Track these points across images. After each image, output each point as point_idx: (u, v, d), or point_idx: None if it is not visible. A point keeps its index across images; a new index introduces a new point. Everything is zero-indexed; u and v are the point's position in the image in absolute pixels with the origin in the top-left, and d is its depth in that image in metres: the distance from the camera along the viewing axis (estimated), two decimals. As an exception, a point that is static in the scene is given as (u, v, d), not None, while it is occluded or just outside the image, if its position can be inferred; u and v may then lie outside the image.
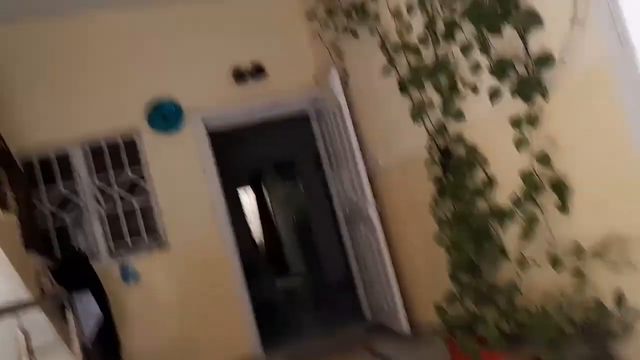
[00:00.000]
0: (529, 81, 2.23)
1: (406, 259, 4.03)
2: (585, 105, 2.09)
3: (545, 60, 2.16)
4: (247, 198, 10.86)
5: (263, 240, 11.04)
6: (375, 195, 4.07)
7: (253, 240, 8.88)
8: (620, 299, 2.02)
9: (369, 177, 4.08)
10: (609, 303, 2.07)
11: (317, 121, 5.08)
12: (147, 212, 4.44)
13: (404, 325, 3.92)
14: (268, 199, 11.17)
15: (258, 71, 4.84)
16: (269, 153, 8.60)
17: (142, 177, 4.47)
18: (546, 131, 2.26)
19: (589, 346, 2.03)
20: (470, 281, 2.80)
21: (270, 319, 5.27)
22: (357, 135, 4.14)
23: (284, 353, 4.70)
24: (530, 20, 2.18)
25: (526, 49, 2.25)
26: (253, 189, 11.23)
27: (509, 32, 2.29)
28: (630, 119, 1.91)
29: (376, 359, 3.96)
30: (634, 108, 1.90)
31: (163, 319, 4.30)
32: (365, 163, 4.13)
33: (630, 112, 1.91)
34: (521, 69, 2.28)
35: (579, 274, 2.15)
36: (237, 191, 8.78)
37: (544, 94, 2.21)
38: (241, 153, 7.92)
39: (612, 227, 2.03)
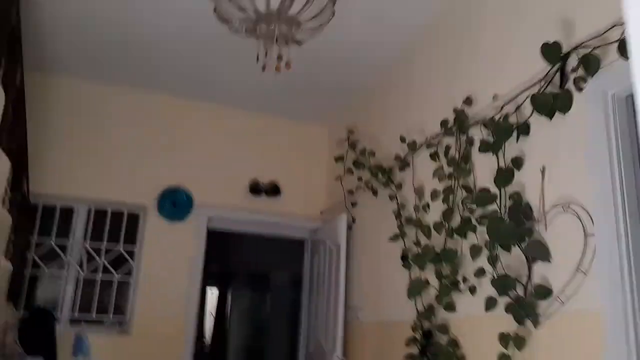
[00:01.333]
0: (525, 305, 2.39)
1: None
2: (571, 343, 2.22)
3: (543, 292, 2.33)
4: (210, 296, 10.65)
5: (210, 343, 10.64)
6: (344, 345, 4.08)
7: (202, 342, 8.59)
8: None
9: (344, 326, 4.12)
10: None
11: (310, 251, 5.21)
12: (123, 291, 4.41)
13: None
14: (229, 305, 10.94)
15: (274, 190, 5.06)
16: (245, 259, 8.60)
17: (132, 255, 4.50)
18: (528, 355, 2.37)
19: None
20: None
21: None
22: (346, 281, 4.24)
23: None
24: (540, 253, 2.38)
25: (529, 276, 2.43)
26: (218, 289, 11.05)
27: (519, 253, 2.49)
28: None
29: None
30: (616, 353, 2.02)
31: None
32: (345, 311, 4.18)
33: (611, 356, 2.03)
34: (520, 291, 2.45)
35: None
36: (205, 288, 8.66)
37: (535, 321, 2.36)
38: (218, 250, 7.94)
39: None
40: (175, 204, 4.64)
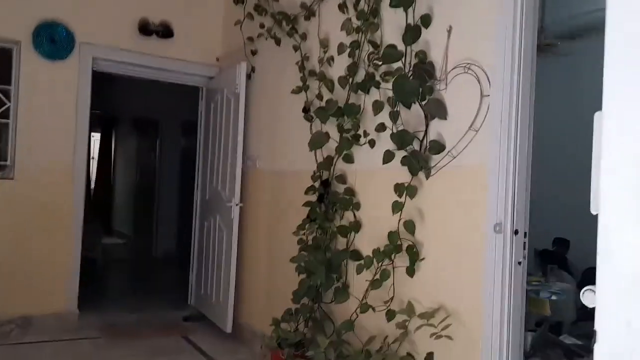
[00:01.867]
0: (419, 159, 2.57)
1: (251, 263, 4.21)
2: (457, 192, 2.48)
3: (437, 147, 2.52)
4: (96, 141, 10.22)
5: (94, 190, 10.44)
6: (242, 192, 4.20)
7: (88, 188, 8.38)
8: (429, 359, 2.43)
9: (242, 175, 4.21)
10: (420, 359, 2.47)
11: (205, 99, 5.06)
12: (2, 134, 4.07)
13: (228, 325, 4.09)
14: (114, 150, 10.60)
15: (166, 32, 4.70)
16: (133, 104, 8.22)
17: (8, 95, 4.08)
18: (418, 203, 2.62)
19: (394, 390, 2.40)
20: (310, 305, 3.08)
21: (89, 278, 5.06)
22: (244, 130, 4.24)
23: (99, 319, 4.58)
24: (438, 111, 2.53)
25: (426, 132, 2.59)
26: (102, 135, 10.59)
27: (418, 110, 2.62)
28: (488, 215, 2.31)
29: (192, 349, 4.07)
30: (494, 203, 2.29)
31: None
32: (243, 160, 4.24)
33: (491, 210, 2.30)
34: (417, 145, 2.62)
35: (404, 329, 2.52)
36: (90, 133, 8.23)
37: (428, 173, 2.57)
38: (105, 94, 7.48)
39: (442, 300, 2.43)
40: (54, 40, 4.17)
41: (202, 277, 4.75)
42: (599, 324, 0.77)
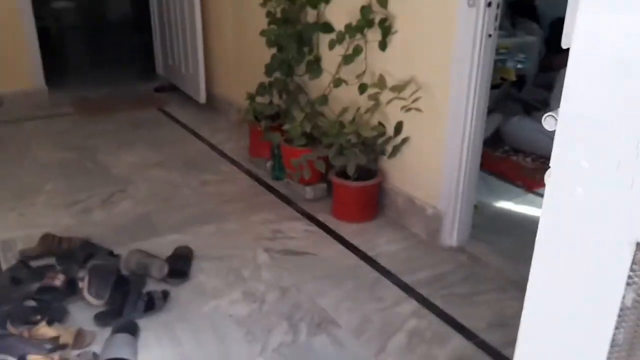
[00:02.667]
0: None
1: (219, 32, 4.10)
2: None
3: None
4: None
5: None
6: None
7: None
8: (398, 128, 2.61)
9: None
10: (390, 129, 2.65)
11: None
12: None
13: (202, 95, 4.16)
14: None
15: None
16: None
17: None
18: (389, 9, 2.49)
19: (366, 157, 2.63)
20: (283, 79, 3.13)
21: (49, 50, 4.86)
22: None
23: (69, 95, 4.58)
24: None
25: None
26: None
27: None
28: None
29: (170, 120, 4.21)
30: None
31: None
32: None
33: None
34: None
35: (375, 100, 2.64)
36: None
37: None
38: None
39: (413, 74, 2.51)
40: None
41: (168, 45, 4.64)
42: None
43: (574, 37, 0.77)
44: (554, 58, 4.78)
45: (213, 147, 3.67)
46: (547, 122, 0.85)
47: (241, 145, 3.60)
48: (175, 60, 4.52)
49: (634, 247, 0.77)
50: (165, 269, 2.20)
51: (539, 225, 0.88)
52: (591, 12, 0.75)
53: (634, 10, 0.70)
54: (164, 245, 2.44)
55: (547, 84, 4.62)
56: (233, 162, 3.42)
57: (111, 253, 2.34)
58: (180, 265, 2.28)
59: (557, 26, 4.86)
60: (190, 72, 4.24)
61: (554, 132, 0.85)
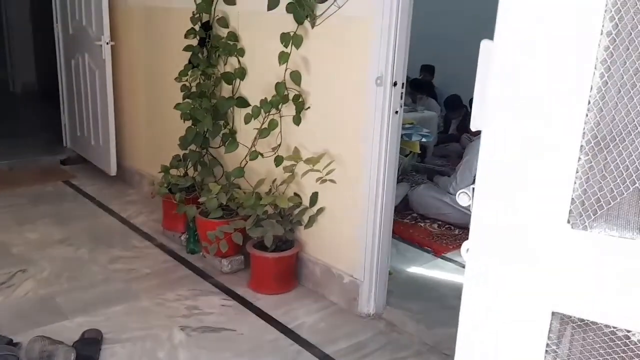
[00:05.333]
0: (304, 6, 2.52)
1: (130, 105, 4.06)
2: (342, 44, 2.52)
3: (324, -5, 2.47)
4: None
5: None
6: (113, 31, 3.87)
7: None
8: (314, 199, 2.68)
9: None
10: (306, 199, 2.72)
11: None
12: None
13: (112, 167, 4.04)
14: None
15: None
16: None
17: None
18: (304, 53, 2.64)
19: (283, 228, 2.66)
20: (198, 151, 3.13)
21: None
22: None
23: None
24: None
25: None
26: None
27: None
28: (371, 69, 2.40)
29: (76, 193, 4.04)
30: (376, 57, 2.39)
31: None
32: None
33: (372, 63, 2.40)
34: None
35: (291, 172, 2.71)
36: None
37: (313, 22, 2.56)
38: None
39: (327, 147, 2.62)
40: None
41: (77, 118, 4.52)
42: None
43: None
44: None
45: (124, 221, 3.54)
46: (461, 198, 0.93)
47: (154, 219, 3.50)
48: (84, 131, 4.40)
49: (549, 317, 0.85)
50: (72, 356, 2.05)
51: (462, 300, 0.94)
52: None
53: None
54: (70, 329, 2.28)
55: (444, 155, 5.10)
56: (146, 236, 3.32)
57: (10, 342, 2.15)
58: (88, 350, 2.14)
59: (451, 102, 5.33)
60: (101, 144, 4.13)
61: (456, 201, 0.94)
